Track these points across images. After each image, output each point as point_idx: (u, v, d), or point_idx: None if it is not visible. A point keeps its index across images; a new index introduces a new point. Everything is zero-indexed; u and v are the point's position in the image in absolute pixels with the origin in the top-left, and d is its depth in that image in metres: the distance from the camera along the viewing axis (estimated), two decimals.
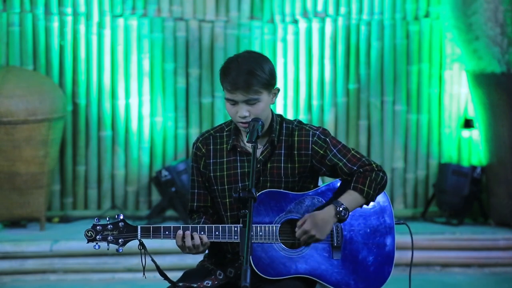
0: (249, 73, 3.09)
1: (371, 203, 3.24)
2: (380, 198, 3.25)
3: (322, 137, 3.22)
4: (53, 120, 5.87)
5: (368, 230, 3.23)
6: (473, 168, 6.32)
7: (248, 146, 3.22)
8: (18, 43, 6.23)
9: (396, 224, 3.26)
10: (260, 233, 3.14)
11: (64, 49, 6.28)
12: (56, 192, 6.35)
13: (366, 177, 3.18)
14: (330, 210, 3.13)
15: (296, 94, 6.44)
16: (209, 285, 3.22)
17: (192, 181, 3.32)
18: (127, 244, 3.13)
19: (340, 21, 6.41)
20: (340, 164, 3.20)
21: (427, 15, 6.45)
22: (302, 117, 6.39)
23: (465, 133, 6.53)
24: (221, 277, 3.26)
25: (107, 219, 3.13)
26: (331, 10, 6.41)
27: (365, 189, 3.17)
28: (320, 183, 3.33)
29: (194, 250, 3.12)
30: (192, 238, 3.10)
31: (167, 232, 3.12)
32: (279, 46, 6.39)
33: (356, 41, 6.43)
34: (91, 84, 6.32)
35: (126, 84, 6.35)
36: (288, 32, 6.39)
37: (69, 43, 6.28)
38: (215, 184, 3.26)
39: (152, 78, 6.36)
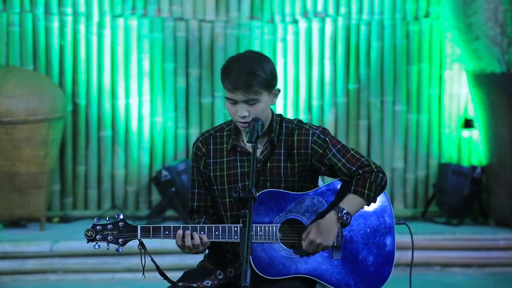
0: (250, 73, 3.09)
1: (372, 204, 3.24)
2: (380, 198, 3.25)
3: (322, 136, 3.22)
4: (53, 120, 5.87)
5: (368, 230, 3.23)
6: (473, 168, 6.32)
7: (248, 146, 3.22)
8: (18, 43, 6.23)
9: (396, 224, 3.26)
10: (260, 233, 3.14)
11: (64, 49, 6.28)
12: (56, 192, 6.35)
13: (366, 180, 3.18)
14: (332, 216, 3.13)
15: (296, 94, 6.44)
16: (209, 285, 3.22)
17: (192, 180, 3.32)
18: (127, 244, 3.13)
19: (340, 21, 6.41)
20: (339, 164, 3.20)
21: (427, 15, 6.45)
22: (302, 117, 6.39)
23: (465, 133, 6.53)
24: (221, 277, 3.26)
25: (107, 219, 3.13)
26: (331, 10, 6.41)
27: (366, 191, 3.17)
28: (320, 183, 3.33)
29: (194, 250, 3.12)
30: (192, 238, 3.10)
31: (167, 232, 3.12)
32: (279, 46, 6.39)
33: (356, 41, 6.43)
34: (91, 84, 6.32)
35: (126, 84, 6.35)
36: (288, 32, 6.39)
37: (69, 43, 6.28)
38: (215, 184, 3.26)
39: (152, 78, 6.36)
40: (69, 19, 6.26)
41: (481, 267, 5.84)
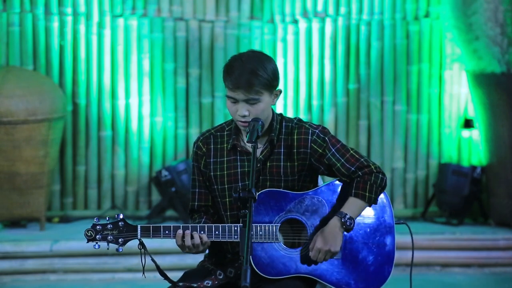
0: (252, 73, 3.09)
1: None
2: (380, 198, 3.25)
3: (321, 135, 3.22)
4: (53, 120, 5.87)
5: (368, 230, 3.23)
6: (473, 168, 6.32)
7: (248, 146, 3.22)
8: (18, 43, 6.23)
9: (396, 224, 3.26)
10: (260, 233, 3.13)
11: (64, 49, 6.28)
12: (56, 192, 6.35)
13: (366, 182, 3.18)
14: (335, 222, 3.14)
15: (296, 94, 6.44)
16: (209, 285, 3.21)
17: (193, 180, 3.32)
18: (127, 244, 3.13)
19: (340, 21, 6.41)
20: (338, 164, 3.20)
21: (427, 15, 6.45)
22: (302, 117, 6.39)
23: (465, 133, 6.53)
24: (221, 277, 3.26)
25: (107, 218, 3.13)
26: (331, 10, 6.41)
27: (367, 194, 3.17)
28: (320, 182, 3.33)
29: (194, 249, 3.12)
30: (192, 237, 3.10)
31: (167, 232, 3.11)
32: (279, 46, 6.39)
33: (356, 41, 6.43)
34: (91, 84, 6.32)
35: (126, 84, 6.35)
36: (288, 32, 6.39)
37: (69, 43, 6.28)
38: (215, 183, 3.26)
39: (152, 78, 6.36)
40: (69, 19, 6.26)
41: (481, 267, 5.84)
